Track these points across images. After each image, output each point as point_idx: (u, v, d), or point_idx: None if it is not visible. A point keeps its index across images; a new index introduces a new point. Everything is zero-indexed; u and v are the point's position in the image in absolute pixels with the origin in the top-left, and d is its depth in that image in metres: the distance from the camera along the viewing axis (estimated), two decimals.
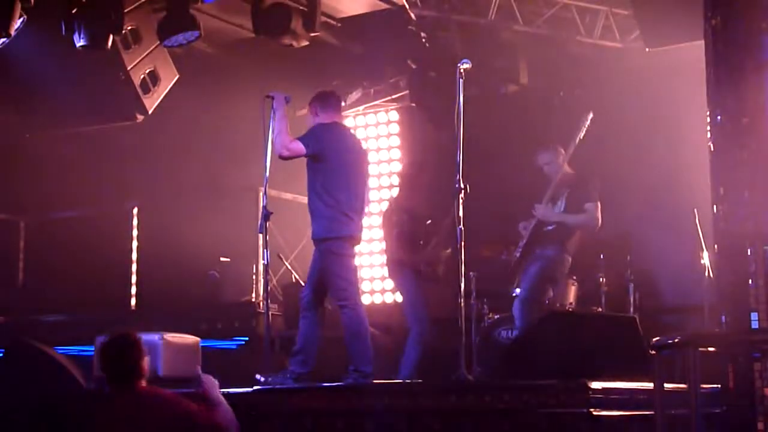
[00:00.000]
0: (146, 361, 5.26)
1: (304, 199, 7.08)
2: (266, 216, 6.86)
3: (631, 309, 8.62)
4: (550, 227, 7.83)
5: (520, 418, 5.18)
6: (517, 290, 8.56)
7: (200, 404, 5.26)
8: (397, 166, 11.57)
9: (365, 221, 7.33)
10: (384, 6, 9.91)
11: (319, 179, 6.86)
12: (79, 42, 8.56)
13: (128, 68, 9.20)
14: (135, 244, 11.22)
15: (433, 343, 8.38)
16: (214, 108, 10.38)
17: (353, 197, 6.91)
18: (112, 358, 5.24)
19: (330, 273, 6.81)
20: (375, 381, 6.85)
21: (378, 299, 11.21)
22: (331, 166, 6.87)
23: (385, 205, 9.81)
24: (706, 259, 8.11)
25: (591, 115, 7.82)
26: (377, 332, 9.35)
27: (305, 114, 7.42)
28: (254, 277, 10.20)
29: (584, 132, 7.82)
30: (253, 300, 10.11)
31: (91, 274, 10.82)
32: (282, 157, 6.82)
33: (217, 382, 5.49)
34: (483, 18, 9.89)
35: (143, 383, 5.24)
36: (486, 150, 8.44)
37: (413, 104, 11.14)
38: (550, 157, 8.01)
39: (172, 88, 9.70)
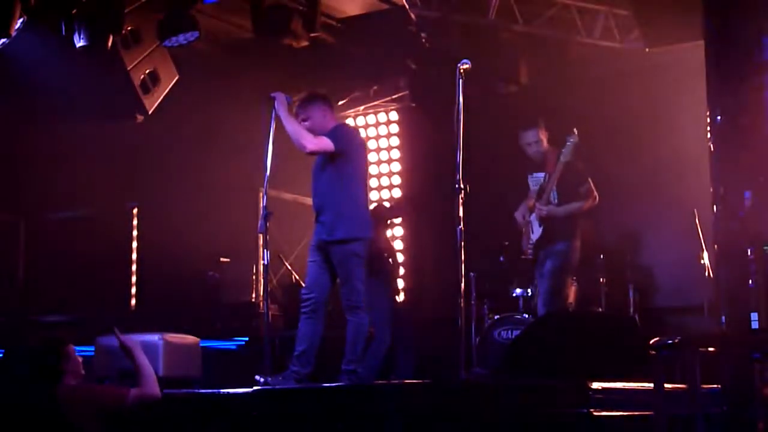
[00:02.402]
0: (71, 365, 5.37)
1: (305, 200, 7.08)
2: (266, 216, 6.84)
3: (631, 309, 8.62)
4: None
5: (520, 418, 5.17)
6: (518, 290, 8.59)
7: (118, 387, 5.46)
8: (397, 167, 11.59)
9: None
10: (384, 6, 9.91)
11: (341, 178, 6.82)
12: (79, 42, 8.56)
13: (128, 68, 9.19)
14: (135, 244, 11.23)
15: (433, 343, 8.41)
16: (214, 108, 10.38)
17: (368, 199, 6.98)
18: (32, 362, 5.37)
19: (351, 275, 6.75)
20: (374, 382, 6.85)
21: None
22: (355, 166, 6.86)
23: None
24: (706, 259, 8.12)
25: (576, 134, 7.77)
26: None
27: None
28: (254, 277, 10.20)
29: (570, 154, 7.78)
30: (253, 300, 10.11)
31: (91, 274, 10.82)
32: (309, 152, 6.78)
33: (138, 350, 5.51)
34: (483, 18, 9.89)
35: (68, 382, 5.35)
36: (486, 150, 8.46)
37: (413, 104, 11.16)
38: (533, 136, 8.01)
39: (172, 88, 9.69)
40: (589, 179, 7.89)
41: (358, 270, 6.78)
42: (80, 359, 5.51)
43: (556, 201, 7.89)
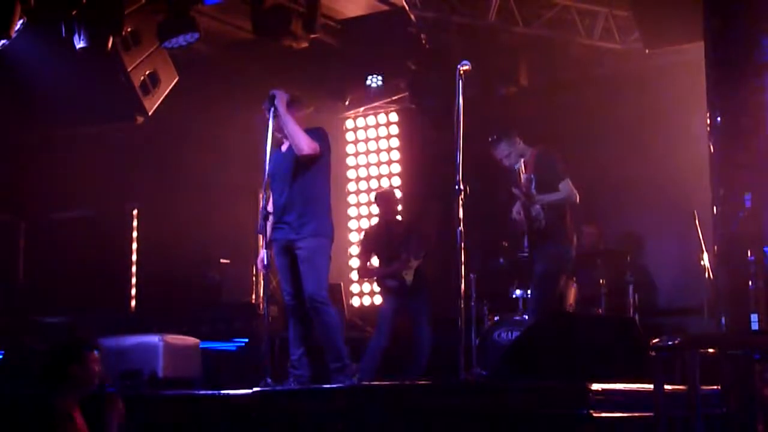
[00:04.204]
0: (82, 370, 5.17)
1: None
2: (265, 216, 6.84)
3: (631, 310, 8.61)
4: (541, 225, 7.71)
5: (520, 419, 5.17)
6: (518, 291, 8.58)
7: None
8: (397, 168, 11.60)
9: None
10: (384, 7, 9.92)
11: (318, 179, 6.86)
12: (79, 43, 8.56)
13: (128, 70, 9.19)
14: (135, 244, 11.22)
15: (433, 344, 8.42)
16: (214, 109, 10.38)
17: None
18: (46, 362, 5.23)
19: (319, 269, 6.75)
20: (374, 382, 6.85)
21: (378, 300, 11.23)
22: (326, 167, 6.92)
23: None
24: (706, 261, 8.11)
25: (521, 165, 7.65)
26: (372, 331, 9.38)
27: (310, 112, 7.45)
28: (254, 278, 10.20)
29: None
30: (253, 301, 10.11)
31: (91, 274, 10.81)
32: (304, 155, 6.78)
33: None
34: (483, 19, 9.88)
35: (73, 396, 5.16)
36: (486, 151, 8.44)
37: (413, 105, 11.15)
38: (504, 150, 7.83)
39: (172, 89, 9.70)
40: (568, 179, 7.69)
41: (325, 264, 6.79)
42: (97, 368, 5.26)
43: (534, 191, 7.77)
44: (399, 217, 9.53)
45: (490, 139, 7.82)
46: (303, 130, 6.83)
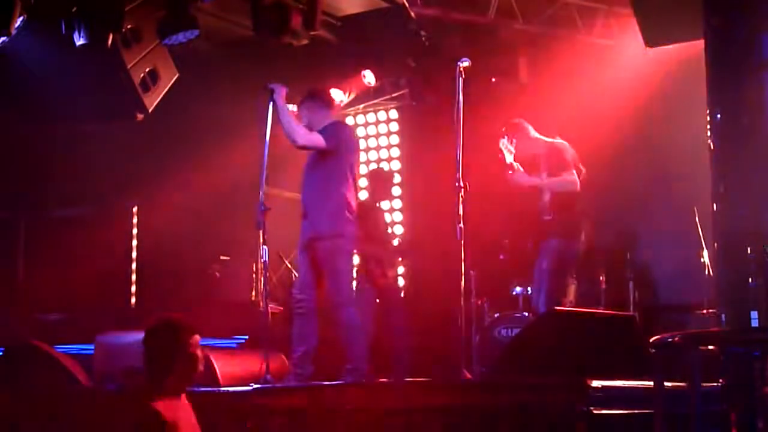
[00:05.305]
0: (185, 364, 4.54)
1: None
2: (263, 212, 6.84)
3: (631, 307, 8.63)
4: (548, 216, 7.68)
5: (520, 416, 5.18)
6: (518, 288, 8.59)
7: None
8: (397, 165, 11.59)
9: None
10: (384, 4, 9.91)
11: (330, 175, 6.80)
12: (79, 40, 8.56)
13: (128, 67, 9.19)
14: (135, 241, 11.22)
15: (433, 341, 8.41)
16: (214, 106, 10.38)
17: (355, 197, 6.91)
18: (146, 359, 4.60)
19: (338, 271, 6.73)
20: (374, 380, 6.85)
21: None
22: (342, 164, 6.83)
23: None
24: (706, 258, 8.12)
25: (505, 142, 7.70)
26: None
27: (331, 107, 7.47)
28: (254, 275, 10.20)
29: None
30: (253, 298, 10.11)
31: (91, 273, 10.81)
32: (300, 147, 6.76)
33: None
34: (483, 16, 9.89)
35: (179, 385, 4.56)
36: (486, 148, 8.46)
37: (413, 102, 11.16)
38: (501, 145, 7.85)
39: (172, 86, 9.69)
40: (574, 171, 7.65)
41: (345, 265, 6.76)
42: (200, 353, 4.55)
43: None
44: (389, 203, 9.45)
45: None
46: (324, 125, 6.81)
